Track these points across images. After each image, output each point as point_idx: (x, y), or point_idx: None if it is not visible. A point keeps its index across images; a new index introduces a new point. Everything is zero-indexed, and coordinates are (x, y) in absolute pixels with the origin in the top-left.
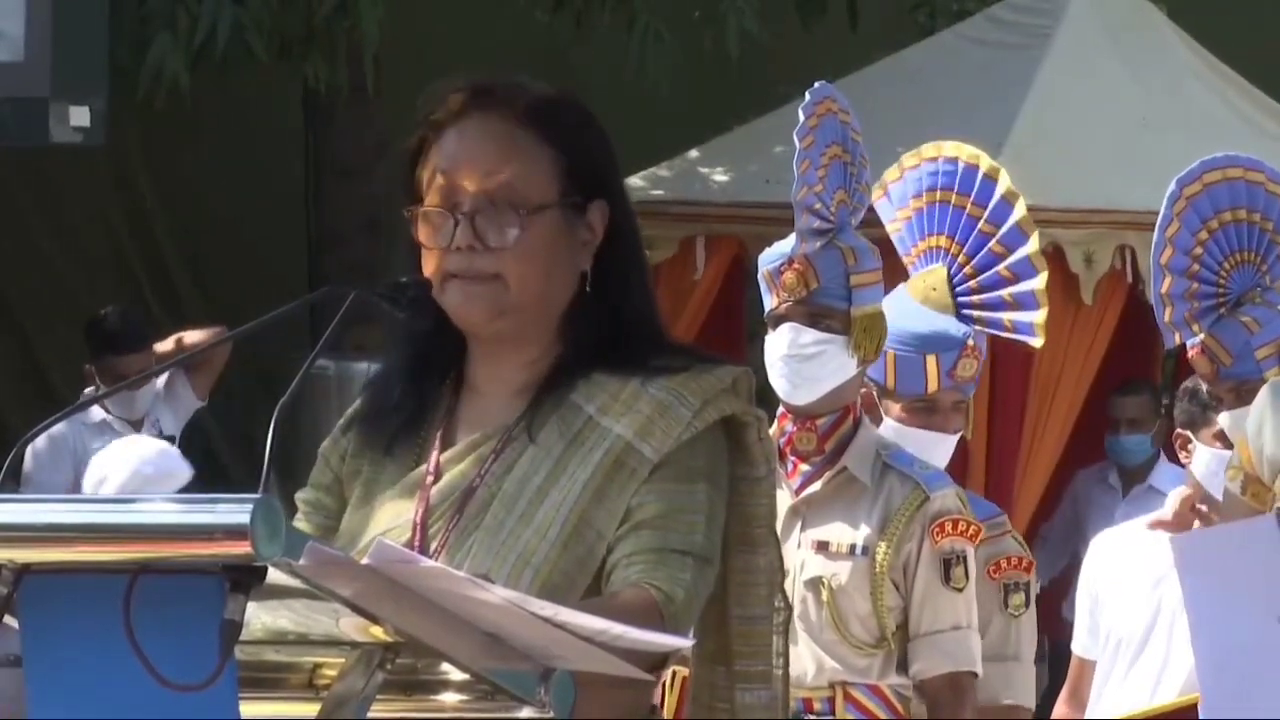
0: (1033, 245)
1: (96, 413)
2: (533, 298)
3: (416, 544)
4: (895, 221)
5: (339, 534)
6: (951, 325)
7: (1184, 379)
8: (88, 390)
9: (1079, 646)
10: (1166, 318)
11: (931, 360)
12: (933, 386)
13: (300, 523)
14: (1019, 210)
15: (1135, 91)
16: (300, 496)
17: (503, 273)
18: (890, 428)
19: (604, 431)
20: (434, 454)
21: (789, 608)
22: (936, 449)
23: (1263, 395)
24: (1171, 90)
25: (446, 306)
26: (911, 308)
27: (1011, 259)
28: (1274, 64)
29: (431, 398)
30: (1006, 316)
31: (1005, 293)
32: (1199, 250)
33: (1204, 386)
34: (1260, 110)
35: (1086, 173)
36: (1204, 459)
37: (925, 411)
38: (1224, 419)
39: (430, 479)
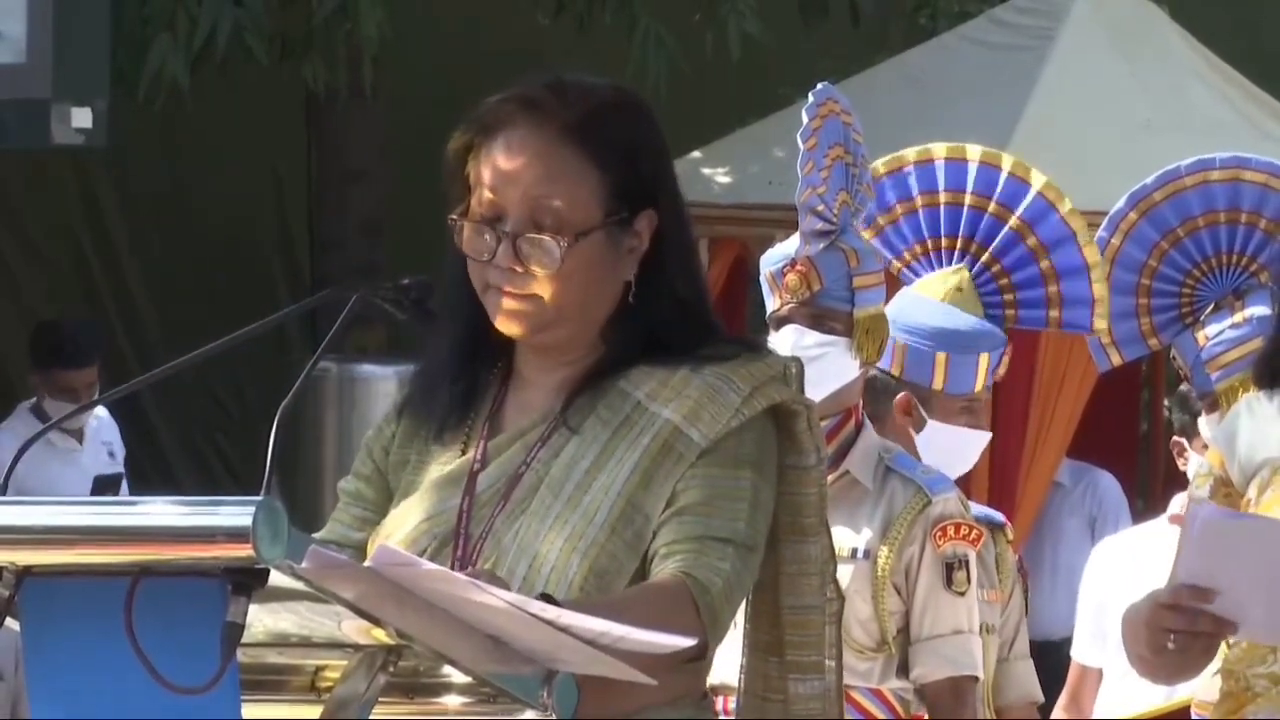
0: (1083, 239)
1: (35, 425)
2: (573, 314)
3: (463, 530)
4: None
5: (385, 522)
6: (990, 324)
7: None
8: (32, 401)
9: (1079, 653)
10: (1102, 338)
11: (984, 360)
12: (979, 386)
13: (340, 513)
14: (1063, 206)
15: (1138, 93)
16: (342, 486)
17: (542, 294)
18: (937, 430)
19: (652, 416)
20: (481, 441)
21: (841, 597)
22: (977, 447)
23: (1239, 405)
24: (1174, 91)
25: (490, 314)
26: (942, 308)
27: (1058, 257)
28: (1275, 64)
29: (481, 384)
30: (1052, 313)
31: (1051, 290)
32: (1154, 264)
33: (1194, 396)
34: (1263, 111)
35: (1089, 174)
36: (1196, 465)
37: (967, 411)
38: (1203, 426)
39: (477, 466)
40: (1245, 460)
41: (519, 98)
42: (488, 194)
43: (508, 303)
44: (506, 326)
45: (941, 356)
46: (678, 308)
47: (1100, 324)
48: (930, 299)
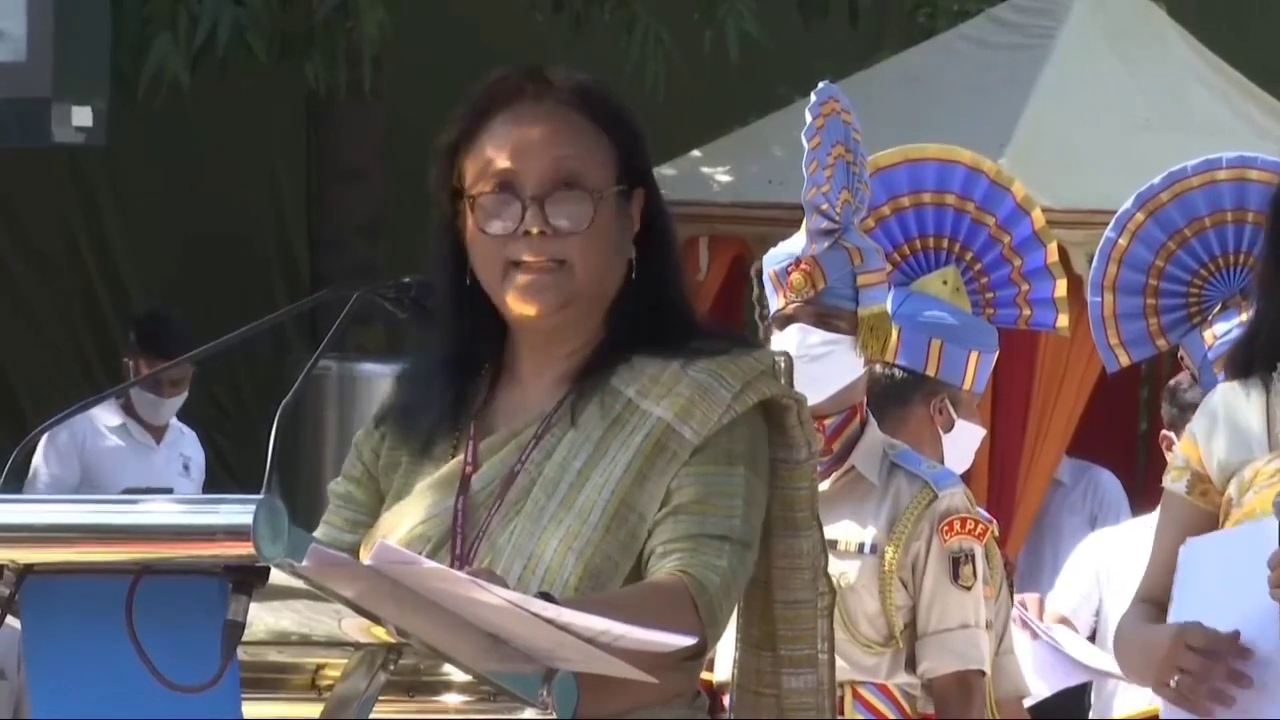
0: (1051, 255)
1: (117, 413)
2: (596, 285)
3: (458, 531)
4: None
5: (378, 525)
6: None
7: None
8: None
9: (1066, 607)
10: (1110, 339)
11: (996, 358)
12: (987, 383)
13: (332, 516)
14: (1036, 219)
15: (1137, 92)
16: (332, 489)
17: (570, 259)
18: (967, 429)
19: (644, 414)
20: (470, 442)
21: (832, 591)
22: (977, 444)
23: (1214, 397)
24: (1174, 91)
25: (506, 296)
26: (952, 308)
27: (1027, 266)
28: (1273, 64)
29: (469, 387)
30: (1023, 312)
31: (1019, 294)
32: (1161, 264)
33: (1184, 388)
34: (1262, 110)
35: (1089, 173)
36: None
37: (979, 409)
38: None
39: (469, 468)
40: (1224, 459)
41: (520, 73)
42: (500, 164)
43: (535, 277)
44: (533, 300)
45: (974, 356)
46: (672, 294)
47: (1063, 322)
48: (939, 299)
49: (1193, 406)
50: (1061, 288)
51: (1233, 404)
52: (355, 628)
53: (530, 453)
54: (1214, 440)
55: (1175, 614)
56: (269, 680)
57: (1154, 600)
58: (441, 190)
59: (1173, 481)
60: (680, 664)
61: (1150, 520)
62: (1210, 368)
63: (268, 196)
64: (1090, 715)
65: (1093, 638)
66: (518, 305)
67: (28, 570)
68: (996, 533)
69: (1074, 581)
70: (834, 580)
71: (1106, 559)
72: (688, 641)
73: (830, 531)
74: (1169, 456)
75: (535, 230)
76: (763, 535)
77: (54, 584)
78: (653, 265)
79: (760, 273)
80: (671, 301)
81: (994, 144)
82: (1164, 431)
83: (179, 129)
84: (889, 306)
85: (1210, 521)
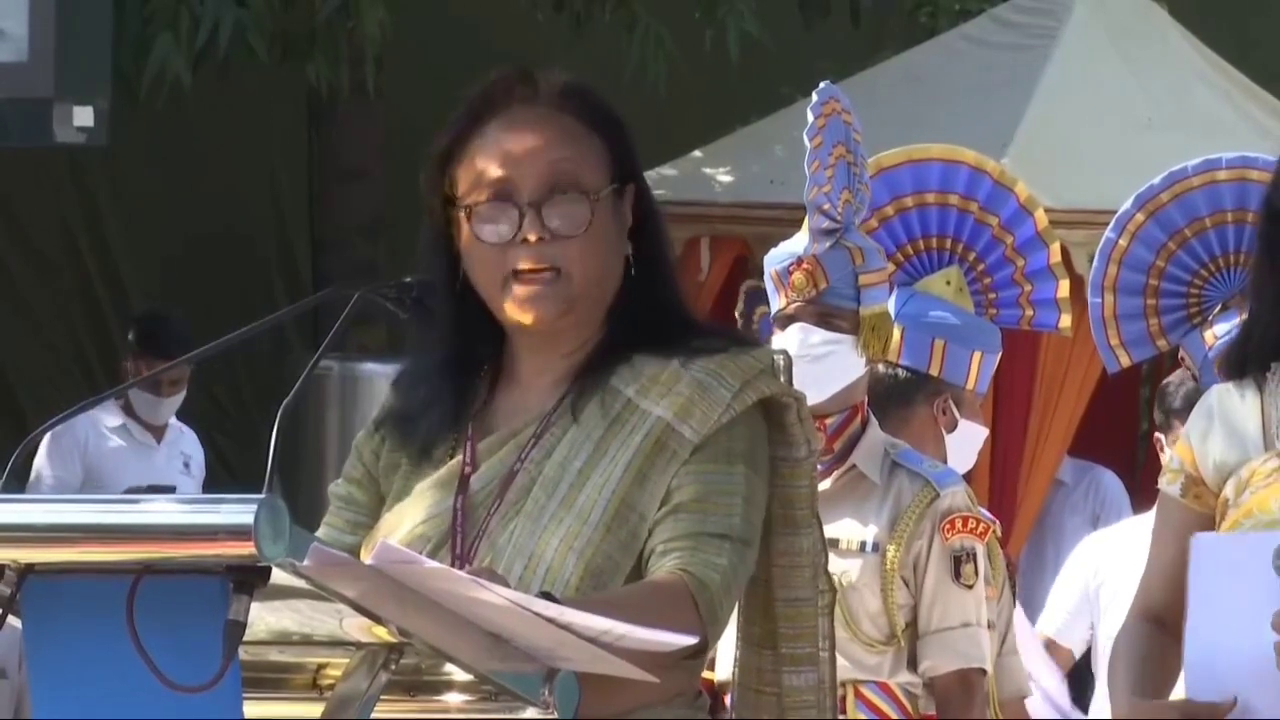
0: (1054, 255)
1: (117, 414)
2: (594, 288)
3: (458, 531)
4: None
5: (379, 526)
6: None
7: None
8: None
9: (1052, 628)
10: (1111, 340)
11: (998, 358)
12: (989, 383)
13: (332, 517)
14: (1039, 220)
15: (1140, 92)
16: (333, 490)
17: (568, 265)
18: (970, 429)
19: (643, 414)
20: (468, 443)
21: (833, 589)
22: (980, 443)
23: (1209, 399)
24: (1176, 91)
25: (505, 305)
26: (955, 308)
27: (1030, 266)
28: (1276, 65)
29: (469, 388)
30: (1025, 313)
31: (1022, 294)
32: (1161, 264)
33: (1170, 392)
34: (1263, 110)
35: (1091, 173)
36: (1167, 459)
37: (981, 409)
38: None
39: (468, 468)
40: (1221, 460)
41: (508, 79)
42: (495, 172)
43: (534, 288)
44: (534, 310)
45: (977, 356)
46: (668, 291)
47: (1065, 323)
48: (941, 299)
49: (1179, 411)
50: (1064, 288)
51: (1228, 405)
52: (356, 627)
53: (529, 452)
54: (1209, 442)
55: (1191, 630)
56: (270, 680)
57: (1152, 615)
58: (433, 197)
59: (1168, 484)
60: (681, 663)
61: (1146, 520)
62: (1211, 368)
63: (268, 196)
64: (1090, 715)
65: (1089, 653)
66: (516, 315)
67: (29, 570)
68: (999, 533)
69: (1062, 600)
70: (835, 579)
71: (1100, 567)
72: (689, 640)
73: (832, 530)
74: (1162, 459)
75: (533, 237)
76: (763, 533)
77: (55, 584)
78: (647, 262)
79: (750, 291)
80: (669, 299)
81: (996, 144)
82: (1156, 434)
83: (180, 129)
84: (891, 306)
85: (1206, 524)
